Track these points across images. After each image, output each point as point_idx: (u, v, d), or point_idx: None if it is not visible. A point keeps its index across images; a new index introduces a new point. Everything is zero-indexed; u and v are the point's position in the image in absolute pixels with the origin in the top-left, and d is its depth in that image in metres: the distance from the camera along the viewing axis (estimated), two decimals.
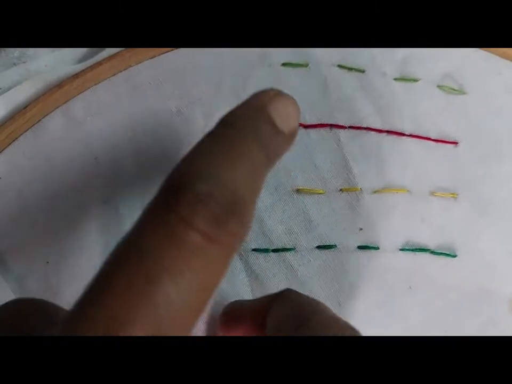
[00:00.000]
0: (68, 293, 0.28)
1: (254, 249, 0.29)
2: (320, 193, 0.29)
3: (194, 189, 0.17)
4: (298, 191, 0.29)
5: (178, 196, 0.17)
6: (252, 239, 0.29)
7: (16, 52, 0.29)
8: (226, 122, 0.21)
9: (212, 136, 0.20)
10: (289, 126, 0.22)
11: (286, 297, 0.24)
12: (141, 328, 0.16)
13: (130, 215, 0.28)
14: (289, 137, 0.22)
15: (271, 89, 0.22)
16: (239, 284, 0.29)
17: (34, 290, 0.28)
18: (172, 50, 0.29)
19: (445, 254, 0.29)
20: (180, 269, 0.17)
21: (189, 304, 0.17)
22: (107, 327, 0.16)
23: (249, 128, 0.20)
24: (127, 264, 0.16)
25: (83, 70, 0.28)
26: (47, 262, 0.28)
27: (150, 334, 0.16)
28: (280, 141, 0.21)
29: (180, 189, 0.18)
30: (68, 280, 0.28)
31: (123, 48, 0.29)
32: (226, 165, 0.19)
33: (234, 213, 0.18)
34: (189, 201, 0.17)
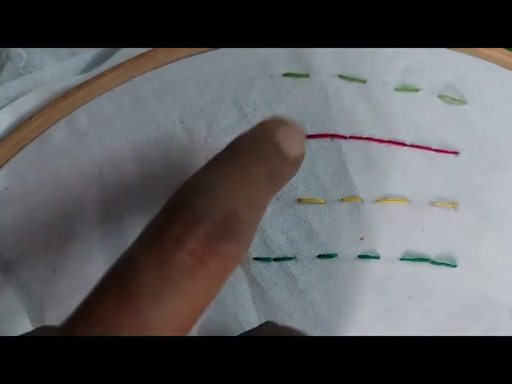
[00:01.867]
0: (73, 301, 0.28)
1: (256, 258, 0.29)
2: (321, 203, 0.29)
3: (190, 207, 0.18)
4: (299, 200, 0.29)
5: (174, 214, 0.18)
6: (254, 248, 0.29)
7: (21, 62, 0.30)
8: (231, 144, 0.21)
9: (215, 158, 0.20)
10: (295, 150, 0.22)
11: None
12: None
13: (133, 225, 0.29)
14: (295, 162, 0.22)
15: (278, 116, 0.22)
16: (241, 293, 0.29)
17: (40, 298, 0.28)
18: (173, 61, 0.29)
19: (445, 263, 0.29)
20: (165, 290, 0.17)
21: (171, 326, 0.17)
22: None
23: (252, 148, 0.21)
24: (116, 284, 0.17)
25: (87, 81, 0.29)
26: (53, 270, 0.28)
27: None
28: (285, 163, 0.21)
29: (177, 207, 0.18)
30: (74, 289, 0.28)
31: (126, 59, 0.29)
32: (225, 180, 0.19)
33: (229, 231, 0.18)
34: (183, 219, 0.17)
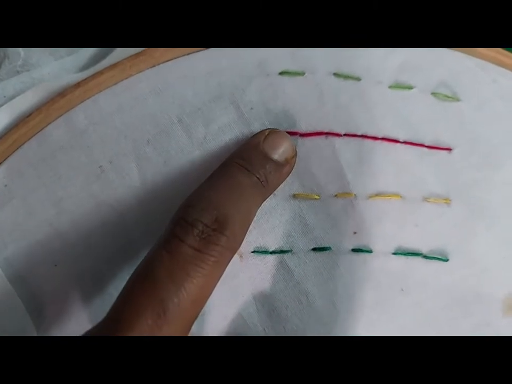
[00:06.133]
0: (75, 296, 0.29)
1: (253, 251, 0.30)
2: (316, 198, 0.30)
3: (187, 217, 0.24)
4: (295, 196, 0.30)
5: (177, 222, 0.24)
6: (252, 242, 0.30)
7: (19, 60, 0.30)
8: (224, 161, 0.27)
9: (211, 175, 0.26)
10: (283, 155, 0.27)
11: None
12: (151, 317, 0.22)
13: (134, 219, 0.29)
14: (285, 165, 0.27)
15: (267, 129, 0.27)
16: (240, 284, 0.30)
17: (42, 293, 0.29)
18: (171, 60, 0.29)
19: (437, 258, 0.30)
20: (177, 275, 0.22)
21: (187, 301, 0.22)
22: (128, 319, 0.22)
23: (242, 162, 0.26)
24: (142, 277, 0.23)
25: (85, 79, 0.29)
26: (55, 265, 0.29)
27: (158, 321, 0.22)
28: (273, 168, 0.26)
29: (178, 217, 0.24)
30: (76, 283, 0.29)
31: (124, 57, 0.29)
32: (216, 191, 0.25)
33: (219, 229, 0.24)
34: (182, 226, 0.24)
